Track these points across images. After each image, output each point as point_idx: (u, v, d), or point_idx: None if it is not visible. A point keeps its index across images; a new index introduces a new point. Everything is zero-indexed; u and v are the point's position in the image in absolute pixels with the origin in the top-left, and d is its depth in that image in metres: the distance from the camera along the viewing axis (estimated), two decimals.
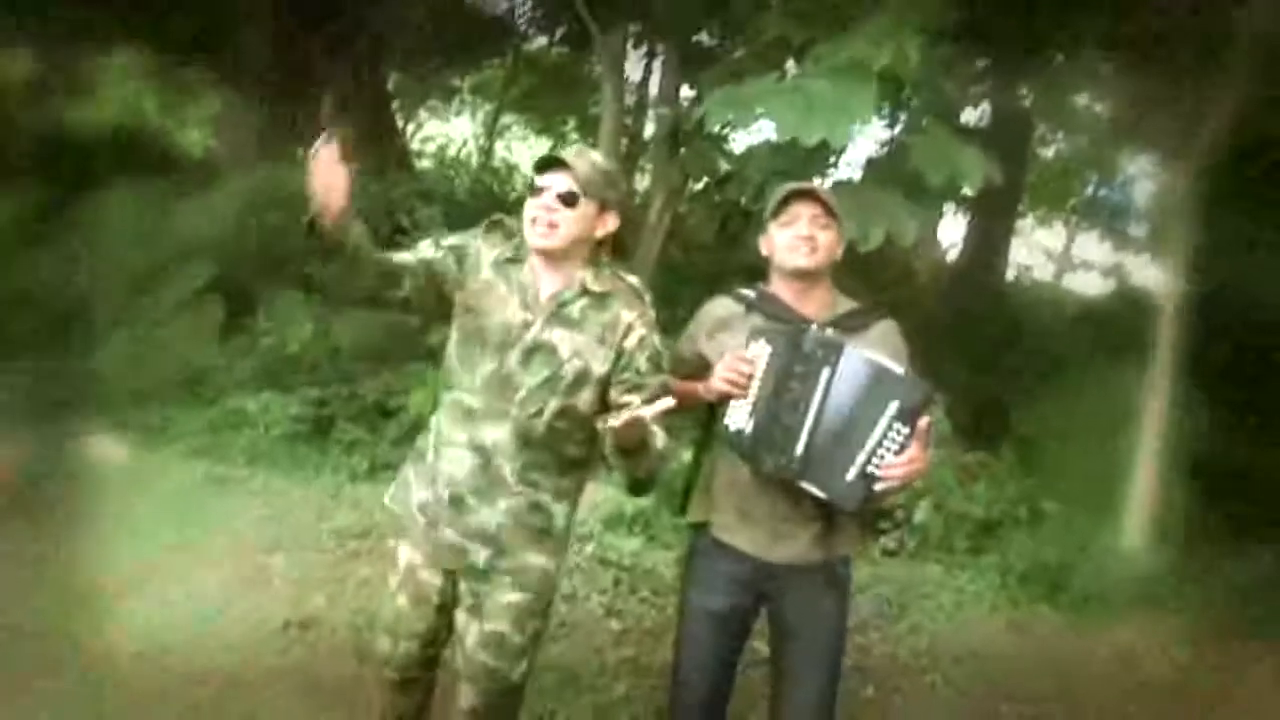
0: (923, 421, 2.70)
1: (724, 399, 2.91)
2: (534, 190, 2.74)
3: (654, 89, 9.32)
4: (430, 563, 2.86)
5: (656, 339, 2.81)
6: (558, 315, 2.76)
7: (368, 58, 9.90)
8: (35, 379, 6.18)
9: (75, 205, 7.98)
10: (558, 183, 2.71)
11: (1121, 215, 11.80)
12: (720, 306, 3.11)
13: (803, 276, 2.97)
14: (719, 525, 3.06)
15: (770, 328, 2.92)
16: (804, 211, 2.96)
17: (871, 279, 9.07)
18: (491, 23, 12.27)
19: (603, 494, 5.97)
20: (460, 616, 2.87)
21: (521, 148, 15.23)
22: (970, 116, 9.33)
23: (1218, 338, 6.54)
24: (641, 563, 5.35)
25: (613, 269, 2.86)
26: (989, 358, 8.51)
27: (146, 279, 8.11)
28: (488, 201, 10.88)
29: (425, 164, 12.84)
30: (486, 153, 14.49)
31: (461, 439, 2.79)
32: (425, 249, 2.87)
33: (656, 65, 9.57)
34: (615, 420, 2.47)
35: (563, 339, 2.74)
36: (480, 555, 2.80)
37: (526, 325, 2.75)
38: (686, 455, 3.21)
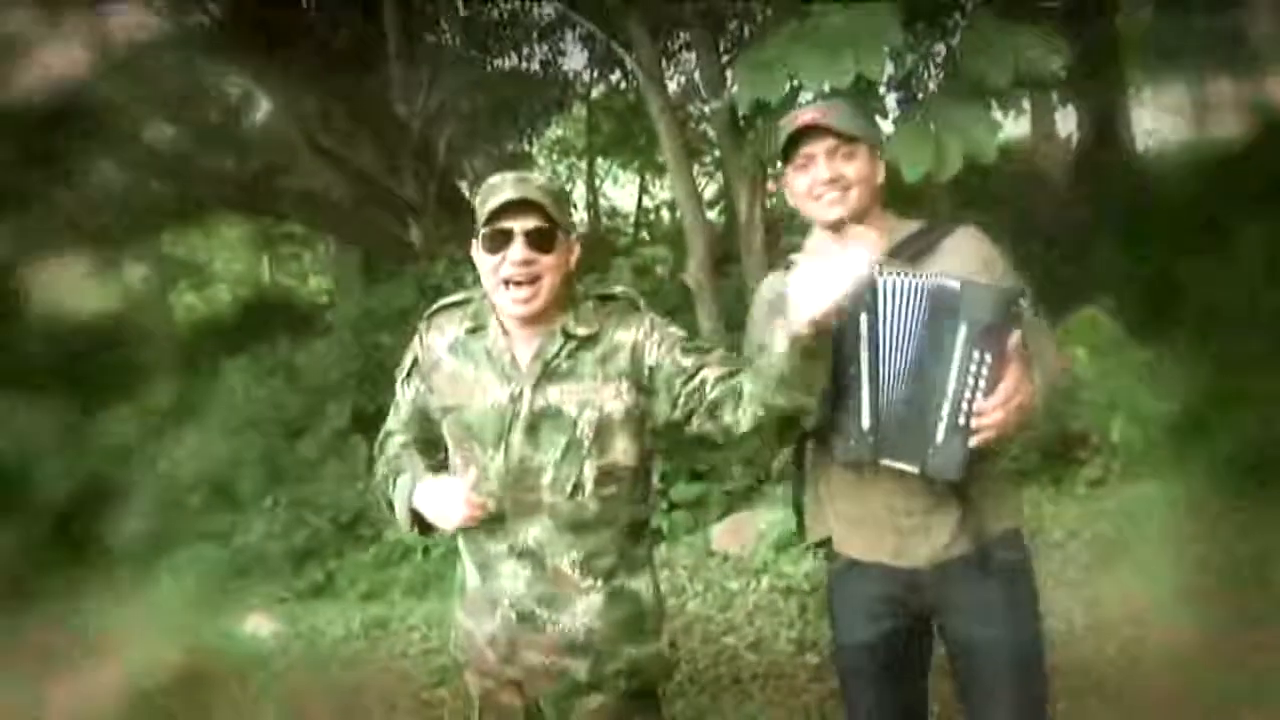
0: (1011, 338, 2.13)
1: None
2: (493, 242, 2.23)
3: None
4: (507, 686, 2.43)
5: (674, 329, 2.35)
6: (547, 374, 2.29)
7: (424, 155, 9.80)
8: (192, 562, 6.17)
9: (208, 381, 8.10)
10: (525, 223, 2.21)
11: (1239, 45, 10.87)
12: (769, 287, 2.56)
13: (839, 226, 2.41)
14: (838, 539, 2.52)
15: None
16: (818, 149, 2.39)
17: (990, 191, 8.51)
18: (539, 80, 12.16)
19: (768, 517, 5.56)
20: None
21: (613, 190, 15.07)
22: None
23: None
24: (823, 583, 4.89)
25: (592, 294, 2.39)
26: (1138, 241, 7.80)
27: (287, 437, 8.16)
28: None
29: None
30: (591, 205, 14.38)
31: (502, 550, 2.35)
32: (405, 405, 2.50)
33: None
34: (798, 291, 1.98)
35: (562, 396, 2.28)
36: (580, 669, 2.35)
37: (516, 400, 2.29)
38: None
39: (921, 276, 2.23)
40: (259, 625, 5.68)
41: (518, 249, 2.21)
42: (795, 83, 4.69)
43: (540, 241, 2.22)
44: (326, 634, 5.51)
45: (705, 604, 4.92)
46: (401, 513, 2.36)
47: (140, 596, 5.86)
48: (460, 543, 2.46)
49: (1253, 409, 5.54)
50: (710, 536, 5.73)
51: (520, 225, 2.21)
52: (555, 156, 15.02)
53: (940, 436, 2.20)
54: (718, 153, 11.05)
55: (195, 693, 4.82)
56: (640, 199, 14.86)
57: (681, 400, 2.25)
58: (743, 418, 2.19)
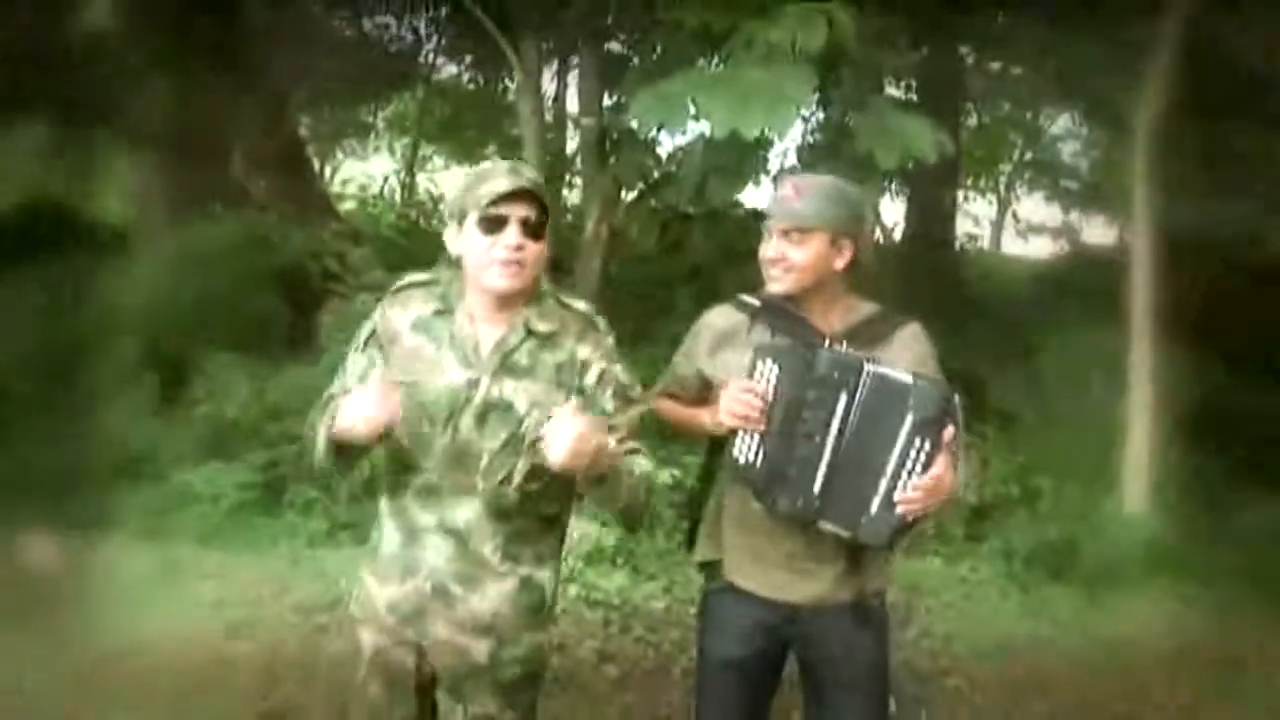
0: (946, 432, 2.34)
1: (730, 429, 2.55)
2: (488, 225, 2.32)
3: (572, 101, 9.05)
4: (401, 647, 2.49)
5: (619, 369, 2.46)
6: (505, 366, 2.38)
7: (274, 105, 9.53)
8: None
9: None
10: (520, 212, 2.31)
11: (1065, 174, 11.65)
12: (721, 317, 2.74)
13: (791, 297, 2.61)
14: (730, 566, 2.72)
15: (778, 345, 2.55)
16: (774, 226, 2.59)
17: None
18: (398, 56, 11.98)
19: (579, 530, 5.65)
20: (443, 698, 2.52)
21: (444, 177, 14.93)
22: (895, 90, 9.15)
23: (1187, 288, 6.34)
24: (630, 598, 5.02)
25: (556, 297, 2.49)
26: (952, 333, 8.28)
27: (70, 360, 7.75)
28: (416, 237, 10.58)
29: (348, 205, 12.48)
30: (407, 188, 14.17)
31: (432, 523, 2.42)
32: (356, 371, 2.49)
33: (572, 78, 9.29)
34: (553, 447, 2.14)
35: (516, 391, 2.37)
36: (482, 651, 2.44)
37: (473, 385, 2.36)
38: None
39: (888, 369, 2.42)
40: (38, 547, 5.39)
41: (512, 234, 2.31)
42: (699, 119, 4.86)
43: (532, 230, 2.32)
44: (112, 567, 5.28)
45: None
46: (322, 438, 2.35)
47: None
48: (385, 508, 2.51)
49: (1035, 507, 6.02)
50: None
51: (516, 213, 2.31)
52: (394, 132, 14.81)
53: (874, 508, 2.41)
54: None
55: None
56: None
57: None
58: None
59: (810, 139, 6.97)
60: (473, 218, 2.33)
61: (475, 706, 2.47)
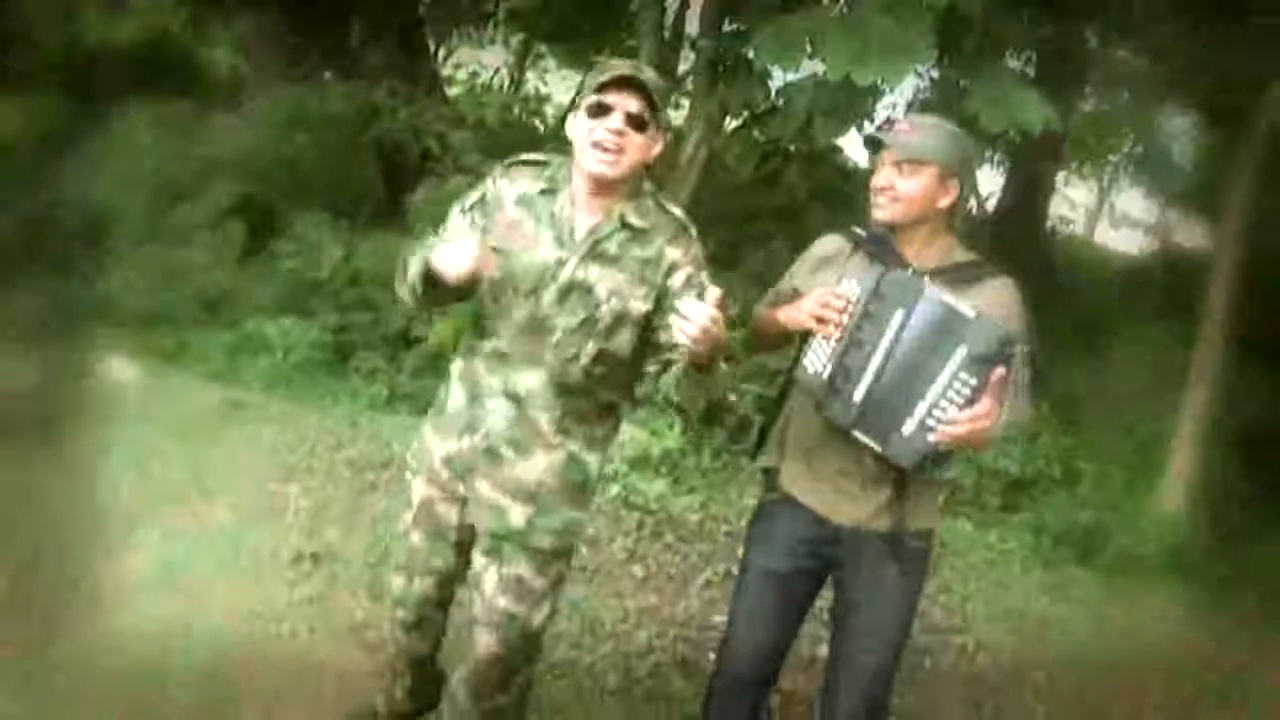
0: (996, 372, 2.41)
1: (805, 334, 2.70)
2: (596, 110, 2.44)
3: (692, 22, 9.01)
4: (448, 500, 2.68)
5: (704, 276, 2.57)
6: (594, 252, 2.52)
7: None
8: (49, 298, 6.03)
9: (98, 120, 7.84)
10: (627, 103, 2.43)
11: (1168, 173, 11.48)
12: (829, 243, 2.87)
13: (893, 227, 2.71)
14: (786, 478, 2.86)
15: (867, 270, 2.66)
16: (887, 156, 2.69)
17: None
18: None
19: (629, 434, 5.82)
20: (478, 558, 2.70)
21: (554, 79, 14.94)
22: (1015, 62, 9.08)
23: (1269, 304, 6.30)
24: (667, 506, 5.17)
25: (656, 199, 2.61)
26: (1028, 309, 8.28)
27: (169, 199, 7.99)
28: (518, 130, 10.69)
29: (456, 90, 12.61)
30: (516, 83, 14.20)
31: (496, 386, 2.59)
32: (456, 229, 2.62)
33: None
34: (689, 325, 2.21)
35: (600, 277, 2.51)
36: (519, 516, 2.61)
37: (561, 264, 2.51)
38: None
39: (954, 301, 2.51)
40: (120, 369, 5.66)
41: (616, 120, 2.43)
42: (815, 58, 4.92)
43: (636, 121, 2.44)
44: (183, 400, 5.51)
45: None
46: (416, 266, 2.50)
47: None
48: (455, 369, 2.70)
49: (1072, 491, 6.08)
50: None
51: (623, 103, 2.43)
52: (510, 26, 14.81)
53: (908, 429, 2.51)
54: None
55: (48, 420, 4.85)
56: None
57: (661, 337, 2.53)
58: (666, 387, 2.54)
59: (921, 95, 6.98)
60: (585, 101, 2.46)
61: (508, 568, 2.65)
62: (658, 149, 2.54)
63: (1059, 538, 5.68)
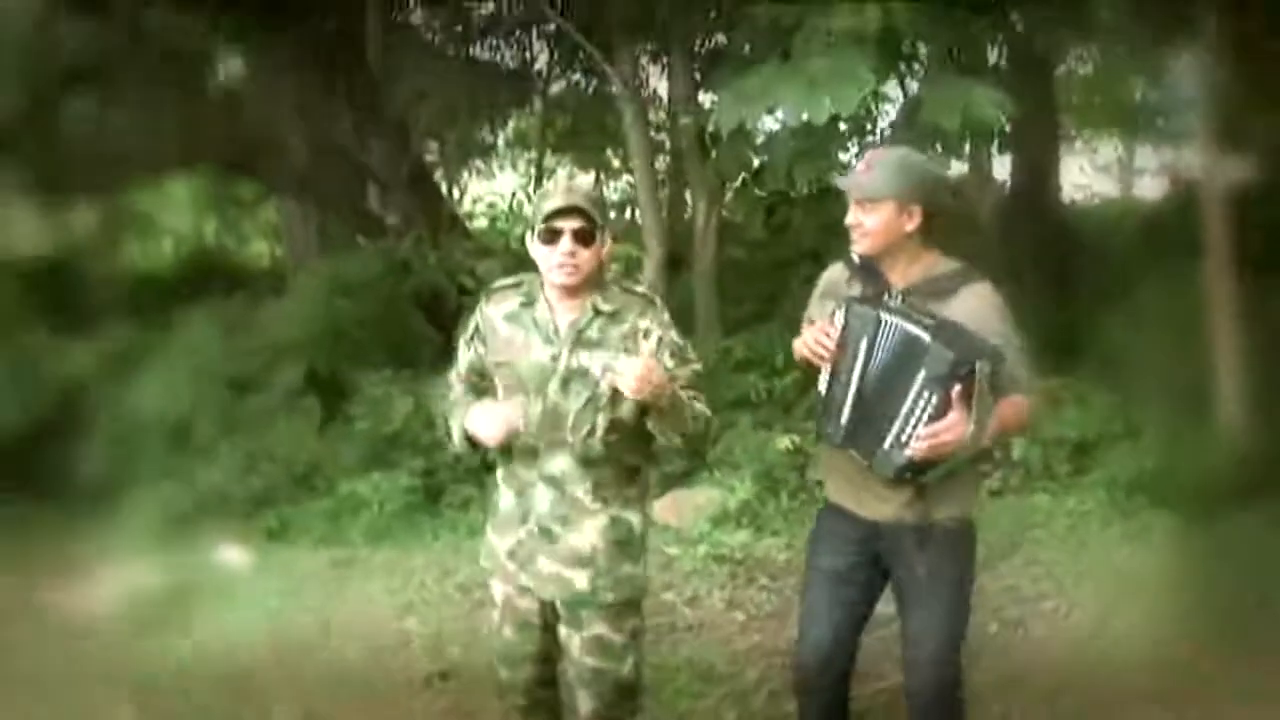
0: (955, 389, 2.73)
1: (809, 364, 3.07)
2: (548, 237, 2.85)
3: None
4: (524, 591, 3.06)
5: (674, 334, 2.98)
6: (580, 341, 2.91)
7: (400, 138, 10.23)
8: (154, 503, 6.53)
9: (162, 335, 8.37)
10: (572, 224, 2.84)
11: (1166, 116, 11.64)
12: (833, 272, 3.25)
13: (875, 255, 3.06)
14: (829, 486, 3.27)
15: (849, 297, 3.04)
16: (850, 197, 3.05)
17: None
18: (512, 75, 12.60)
19: (705, 495, 6.17)
20: (562, 630, 3.06)
21: None
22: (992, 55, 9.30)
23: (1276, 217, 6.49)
24: (753, 553, 5.51)
25: (619, 283, 3.05)
26: (1057, 282, 8.52)
27: (240, 390, 8.48)
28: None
29: (480, 223, 13.20)
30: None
31: (534, 477, 2.98)
32: (465, 360, 3.12)
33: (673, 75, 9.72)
34: (624, 378, 2.69)
35: (591, 360, 2.90)
36: (583, 580, 2.98)
37: (555, 359, 2.92)
38: None
39: (910, 324, 2.85)
40: (232, 556, 6.13)
41: (566, 243, 2.86)
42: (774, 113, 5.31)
43: (583, 237, 2.87)
44: (297, 568, 5.96)
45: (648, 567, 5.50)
46: (457, 431, 3.04)
47: (103, 529, 6.30)
48: (500, 473, 3.12)
49: (1138, 440, 6.26)
50: (651, 511, 6.30)
51: (568, 225, 2.86)
52: (516, 149, 15.50)
53: (886, 445, 2.87)
54: (664, 161, 11.74)
55: (177, 612, 5.29)
56: None
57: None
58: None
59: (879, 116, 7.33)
60: (536, 229, 2.90)
61: (588, 630, 3.02)
62: (607, 248, 2.96)
63: (1131, 488, 5.90)
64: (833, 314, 3.04)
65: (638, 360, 2.70)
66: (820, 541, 3.29)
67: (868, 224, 3.00)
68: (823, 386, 3.04)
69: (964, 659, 3.22)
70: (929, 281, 3.03)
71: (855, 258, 3.13)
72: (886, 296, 2.98)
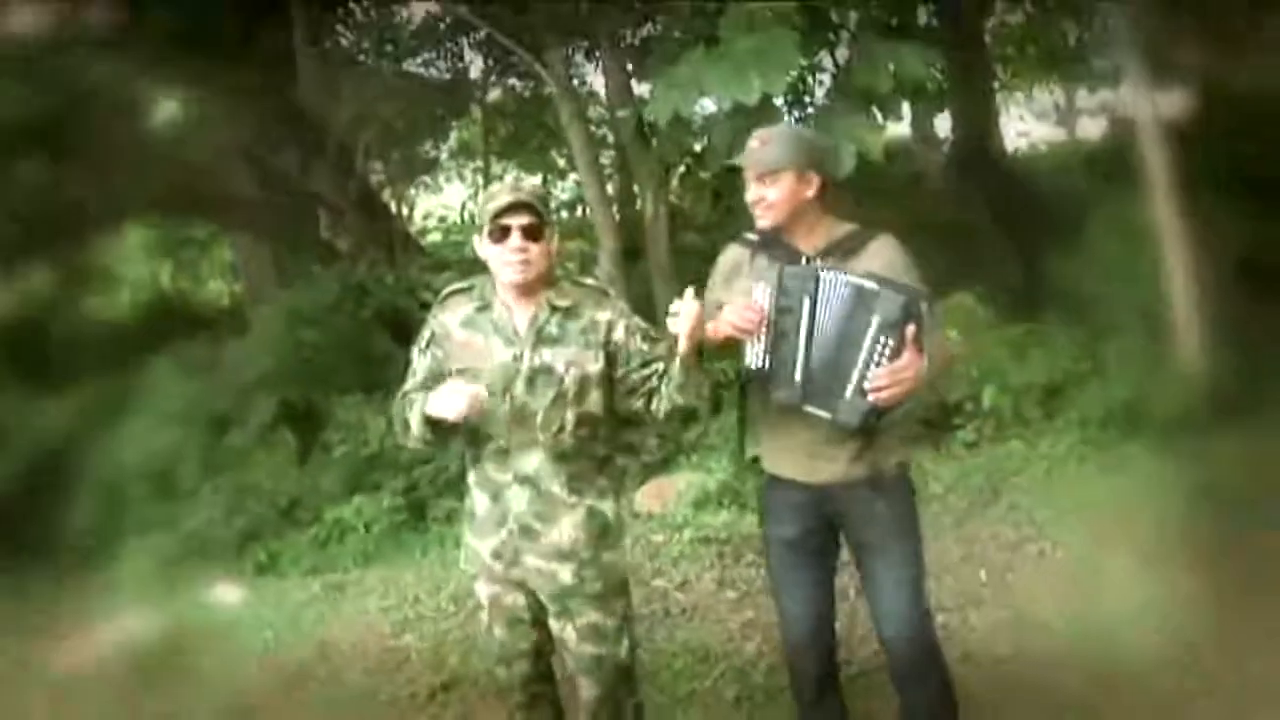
0: (909, 329, 2.80)
1: (731, 340, 3.06)
2: (497, 235, 2.89)
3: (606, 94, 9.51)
4: (510, 588, 3.09)
5: (637, 319, 3.05)
6: (540, 338, 2.96)
7: (344, 162, 10.23)
8: (142, 552, 6.55)
9: (129, 383, 8.36)
10: (520, 220, 2.88)
11: (1099, 56, 11.76)
12: (732, 253, 3.27)
13: (779, 228, 3.11)
14: (766, 459, 3.28)
15: (768, 268, 3.06)
16: (750, 173, 3.11)
17: (887, 194, 9.22)
18: (449, 85, 12.60)
19: (685, 480, 6.23)
20: (554, 623, 3.10)
21: None
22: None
23: (1214, 144, 6.55)
24: (738, 531, 5.54)
25: (571, 279, 3.12)
26: (1010, 230, 8.62)
27: (216, 430, 8.49)
28: None
29: (433, 238, 13.20)
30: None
31: (508, 478, 3.01)
32: (423, 367, 3.11)
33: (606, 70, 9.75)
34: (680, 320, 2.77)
35: (554, 357, 2.95)
36: (568, 573, 3.02)
37: (518, 359, 2.95)
38: None
39: (856, 278, 2.92)
40: (226, 593, 6.15)
41: (515, 239, 2.90)
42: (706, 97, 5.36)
43: (531, 233, 2.91)
44: (290, 598, 5.98)
45: (635, 555, 5.51)
46: (416, 418, 2.98)
47: (93, 581, 6.32)
48: (471, 478, 3.14)
49: (1105, 377, 6.35)
50: (634, 501, 6.36)
51: (516, 222, 2.90)
52: (461, 160, 15.47)
53: (848, 394, 2.92)
54: (610, 154, 11.78)
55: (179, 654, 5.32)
56: None
57: (632, 378, 3.02)
58: (659, 407, 2.99)
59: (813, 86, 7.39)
60: (485, 229, 2.93)
61: (580, 619, 3.06)
62: (555, 244, 3.01)
63: (1103, 422, 5.98)
64: (751, 289, 3.04)
65: (688, 303, 2.75)
66: (772, 514, 3.33)
67: (770, 196, 3.06)
68: (757, 357, 3.04)
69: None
70: (835, 244, 3.10)
71: (756, 235, 3.19)
72: (810, 260, 3.04)
